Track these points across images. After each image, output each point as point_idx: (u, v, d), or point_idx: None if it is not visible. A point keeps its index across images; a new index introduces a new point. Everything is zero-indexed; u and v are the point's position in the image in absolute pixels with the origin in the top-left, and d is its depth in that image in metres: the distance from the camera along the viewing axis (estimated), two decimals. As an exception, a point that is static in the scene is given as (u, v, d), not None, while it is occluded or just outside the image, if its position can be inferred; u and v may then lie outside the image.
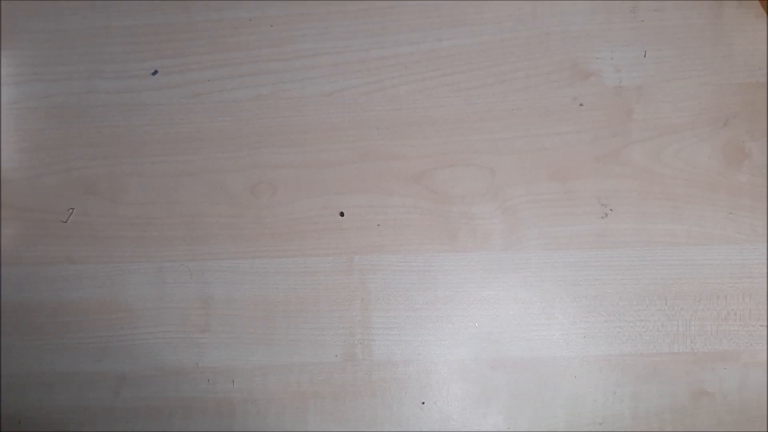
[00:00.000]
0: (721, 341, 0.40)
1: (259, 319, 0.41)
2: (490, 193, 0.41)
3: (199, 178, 0.42)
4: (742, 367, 0.40)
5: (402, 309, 0.40)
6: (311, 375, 0.41)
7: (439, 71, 0.42)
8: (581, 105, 0.41)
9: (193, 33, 0.42)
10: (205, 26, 0.42)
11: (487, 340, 0.41)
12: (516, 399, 0.41)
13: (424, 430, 0.40)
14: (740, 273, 0.40)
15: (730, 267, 0.40)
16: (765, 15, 0.41)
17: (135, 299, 0.41)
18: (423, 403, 0.40)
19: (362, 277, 0.41)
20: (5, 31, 0.42)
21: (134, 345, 0.41)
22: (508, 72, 0.41)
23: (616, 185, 0.41)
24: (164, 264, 0.41)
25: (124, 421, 0.41)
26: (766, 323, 0.40)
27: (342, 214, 0.41)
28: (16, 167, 0.42)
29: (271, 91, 0.42)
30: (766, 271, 0.40)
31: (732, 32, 0.41)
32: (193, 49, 0.42)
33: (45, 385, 0.42)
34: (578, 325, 0.41)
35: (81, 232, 0.42)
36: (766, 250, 0.40)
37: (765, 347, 0.40)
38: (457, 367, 0.40)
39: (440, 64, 0.42)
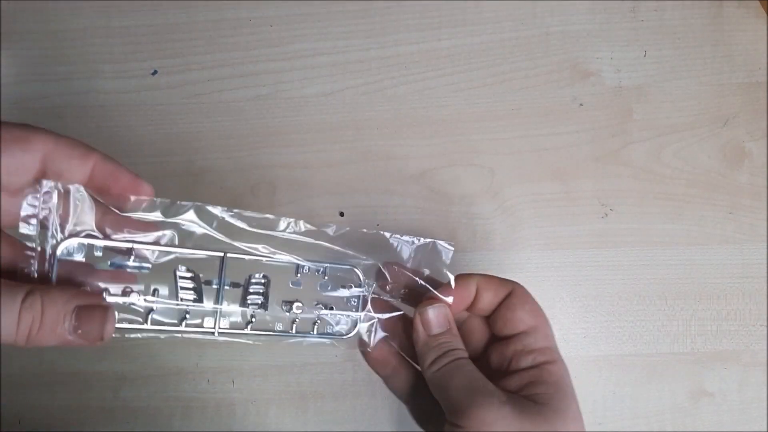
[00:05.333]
0: (721, 341, 0.40)
1: (259, 319, 0.41)
2: (490, 193, 0.41)
3: (199, 178, 0.42)
4: (742, 367, 0.40)
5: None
6: (311, 375, 0.41)
7: (439, 71, 0.42)
8: (581, 105, 0.41)
9: (193, 33, 0.42)
10: (205, 26, 0.42)
11: (487, 340, 0.41)
12: (516, 399, 0.41)
13: (424, 430, 0.40)
14: (740, 273, 0.40)
15: (730, 267, 0.40)
16: (765, 15, 0.41)
17: (135, 299, 0.41)
18: (423, 403, 0.40)
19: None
20: (5, 31, 0.42)
21: (134, 345, 0.41)
22: (508, 72, 0.41)
23: (616, 185, 0.41)
24: (164, 264, 0.41)
25: (124, 421, 0.41)
26: (766, 323, 0.40)
27: (342, 214, 0.41)
28: (16, 167, 0.42)
29: (271, 91, 0.42)
30: (766, 271, 0.40)
31: (732, 32, 0.41)
32: (193, 49, 0.42)
33: (45, 385, 0.42)
34: (578, 325, 0.41)
35: (81, 232, 0.41)
36: (766, 250, 0.40)
37: (765, 347, 0.40)
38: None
39: (440, 64, 0.42)
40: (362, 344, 0.31)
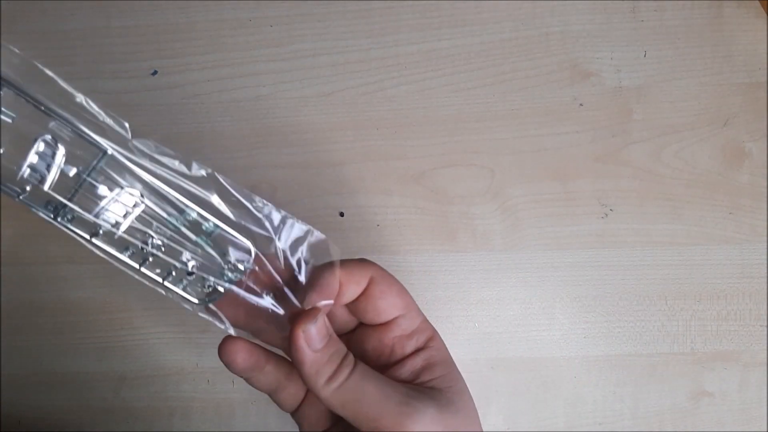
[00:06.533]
0: (721, 341, 0.40)
1: (259, 319, 0.41)
2: (490, 193, 0.41)
3: (199, 178, 0.42)
4: (742, 367, 0.40)
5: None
6: (311, 375, 0.41)
7: (439, 71, 0.42)
8: (581, 105, 0.41)
9: (193, 33, 0.42)
10: (205, 26, 0.42)
11: (487, 340, 0.41)
12: (516, 399, 0.41)
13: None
14: (740, 273, 0.40)
15: (730, 267, 0.40)
16: (765, 15, 0.41)
17: (135, 299, 0.41)
18: (423, 403, 0.40)
19: (362, 277, 0.41)
20: (5, 31, 0.42)
21: (134, 345, 0.41)
22: (508, 72, 0.41)
23: (616, 185, 0.41)
24: (164, 264, 0.41)
25: (124, 421, 0.41)
26: (766, 323, 0.40)
27: (342, 214, 0.41)
28: (16, 167, 0.42)
29: (271, 91, 0.42)
30: (766, 271, 0.40)
31: (732, 32, 0.41)
32: (193, 49, 0.42)
33: (45, 385, 0.42)
34: (578, 325, 0.41)
35: (81, 232, 0.42)
36: (766, 250, 0.40)
37: (765, 347, 0.40)
38: (457, 366, 0.40)
39: (440, 64, 0.42)
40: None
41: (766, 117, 0.41)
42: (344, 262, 0.27)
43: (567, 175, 0.41)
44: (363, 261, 0.28)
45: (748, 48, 0.41)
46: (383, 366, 0.28)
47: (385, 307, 0.28)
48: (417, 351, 0.28)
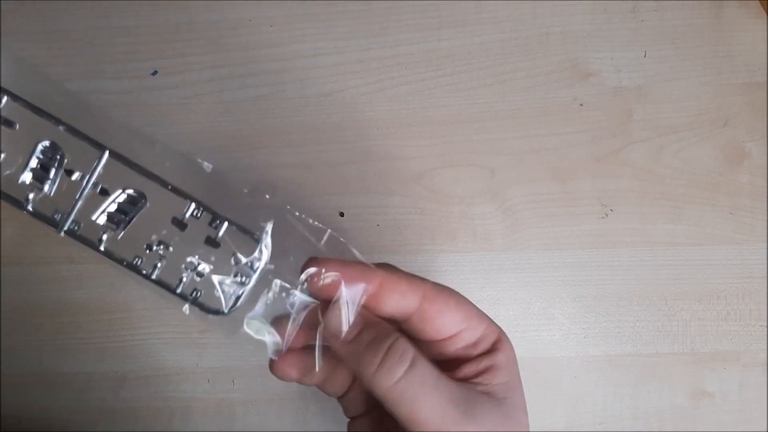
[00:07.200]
0: (721, 341, 0.40)
1: (259, 319, 0.41)
2: (490, 193, 0.41)
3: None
4: (742, 367, 0.40)
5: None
6: (311, 375, 0.41)
7: (439, 71, 0.42)
8: (581, 105, 0.41)
9: (193, 33, 0.42)
10: (205, 26, 0.42)
11: (487, 340, 0.41)
12: (516, 399, 0.41)
13: (424, 430, 0.40)
14: (740, 273, 0.40)
15: (730, 267, 0.40)
16: (765, 15, 0.41)
17: (135, 299, 0.41)
18: (423, 403, 0.40)
19: (362, 277, 0.41)
20: (5, 31, 0.42)
21: (134, 345, 0.41)
22: (508, 72, 0.41)
23: (616, 185, 0.41)
24: (164, 264, 0.41)
25: (125, 421, 0.41)
26: (766, 323, 0.40)
27: (342, 214, 0.41)
28: (16, 167, 0.42)
29: (271, 91, 0.42)
30: (766, 271, 0.40)
31: (732, 32, 0.41)
32: (193, 49, 0.42)
33: (45, 385, 0.42)
34: (578, 325, 0.41)
35: (81, 232, 0.42)
36: (766, 250, 0.40)
37: (765, 347, 0.40)
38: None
39: (440, 64, 0.42)
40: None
41: (766, 117, 0.41)
42: (394, 276, 0.26)
43: (567, 175, 0.41)
44: (412, 277, 0.26)
45: (748, 48, 0.41)
46: (446, 366, 0.26)
47: (444, 325, 0.26)
48: (482, 355, 0.26)
